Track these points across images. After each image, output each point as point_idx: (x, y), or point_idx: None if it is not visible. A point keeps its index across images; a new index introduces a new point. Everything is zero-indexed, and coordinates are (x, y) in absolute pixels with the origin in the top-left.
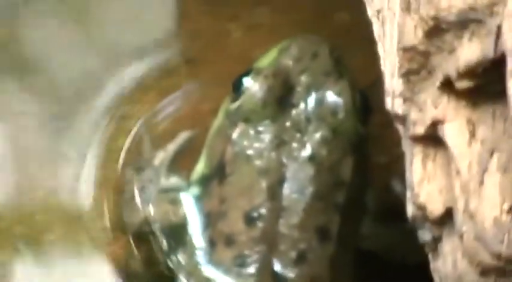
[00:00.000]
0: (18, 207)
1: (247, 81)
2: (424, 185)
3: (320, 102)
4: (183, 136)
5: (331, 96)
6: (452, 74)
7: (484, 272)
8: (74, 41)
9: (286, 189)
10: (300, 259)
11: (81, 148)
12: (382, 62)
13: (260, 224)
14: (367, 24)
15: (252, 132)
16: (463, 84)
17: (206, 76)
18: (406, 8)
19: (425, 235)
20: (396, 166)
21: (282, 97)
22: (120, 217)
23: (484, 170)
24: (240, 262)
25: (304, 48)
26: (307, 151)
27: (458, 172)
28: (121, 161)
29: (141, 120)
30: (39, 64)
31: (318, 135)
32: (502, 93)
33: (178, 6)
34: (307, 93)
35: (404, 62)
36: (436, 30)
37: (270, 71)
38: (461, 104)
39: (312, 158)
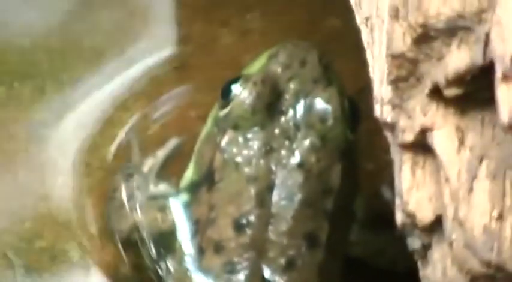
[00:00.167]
0: (7, 215)
1: (236, 88)
2: (413, 193)
3: (309, 109)
4: (172, 142)
5: (319, 103)
6: (441, 81)
7: (474, 279)
8: (61, 49)
9: (275, 196)
10: (289, 266)
11: (69, 155)
12: (370, 69)
13: (249, 231)
14: (358, 31)
15: (240, 139)
16: (451, 92)
17: (196, 82)
18: (395, 15)
19: (414, 242)
20: (385, 173)
21: (270, 104)
22: (109, 224)
23: (473, 177)
24: (230, 269)
25: (293, 54)
26: (296, 158)
27: (447, 179)
28: (110, 167)
29: (130, 127)
30: (27, 70)
31: (306, 142)
32: (490, 100)
33: (169, 11)
34: (296, 100)
35: (393, 69)
36: (425, 37)
37: (259, 78)
38: (450, 111)
39: (300, 165)
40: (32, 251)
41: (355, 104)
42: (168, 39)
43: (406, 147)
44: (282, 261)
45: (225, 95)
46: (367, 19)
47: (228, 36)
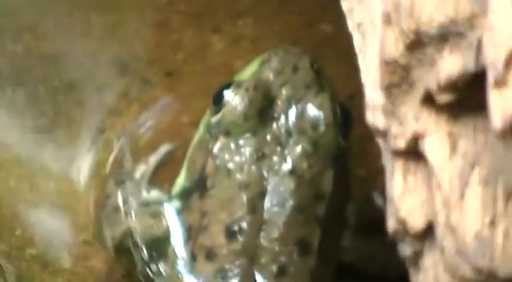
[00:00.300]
0: None
1: (228, 94)
2: (405, 199)
3: (301, 115)
4: (163, 149)
5: (311, 110)
6: (433, 87)
7: None
8: (55, 54)
9: (267, 202)
10: (281, 272)
11: (62, 161)
12: (362, 74)
13: (241, 238)
14: (350, 37)
15: (232, 145)
16: (444, 98)
17: (187, 88)
18: (387, 21)
19: (405, 249)
20: (377, 180)
21: (262, 110)
22: (102, 231)
23: (465, 184)
24: (222, 275)
25: (285, 60)
26: (287, 164)
27: (439, 186)
28: (102, 174)
29: (122, 133)
30: (20, 76)
31: (298, 149)
32: (482, 107)
33: (160, 17)
34: (288, 106)
35: (386, 75)
36: (417, 43)
37: (251, 84)
38: (442, 118)
39: (292, 172)
40: (23, 258)
41: (347, 110)
42: (160, 45)
43: (398, 153)
44: (274, 267)
45: (217, 101)
46: (359, 25)
47: (219, 42)
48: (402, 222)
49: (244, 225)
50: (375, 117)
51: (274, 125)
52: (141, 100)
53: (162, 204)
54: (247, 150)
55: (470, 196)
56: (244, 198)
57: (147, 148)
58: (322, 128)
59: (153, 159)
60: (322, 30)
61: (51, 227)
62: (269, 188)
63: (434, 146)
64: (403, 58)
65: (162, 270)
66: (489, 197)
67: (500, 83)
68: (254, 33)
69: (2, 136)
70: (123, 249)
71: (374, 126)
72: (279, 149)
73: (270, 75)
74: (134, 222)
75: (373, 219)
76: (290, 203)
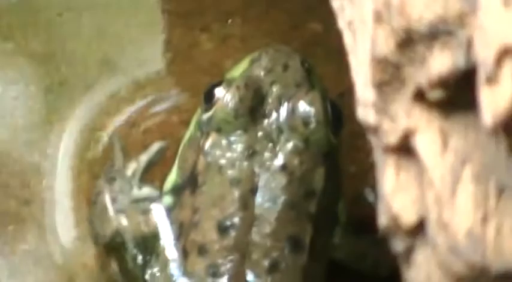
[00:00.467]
0: None
1: (219, 92)
2: (397, 196)
3: (292, 112)
4: (155, 147)
5: (302, 107)
6: (424, 84)
7: None
8: (44, 53)
9: (259, 198)
10: (273, 268)
11: (53, 159)
12: (353, 72)
13: (233, 233)
14: (339, 35)
15: (224, 142)
16: (434, 95)
17: (177, 87)
18: (378, 19)
19: (398, 245)
20: (368, 176)
21: (253, 107)
22: (92, 228)
23: (456, 181)
24: (213, 271)
25: (275, 59)
26: (279, 161)
27: (431, 183)
28: (93, 171)
29: (113, 131)
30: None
31: (289, 145)
32: (473, 104)
33: (149, 17)
34: (279, 103)
35: (377, 73)
36: (408, 41)
37: (242, 82)
38: (434, 115)
39: (284, 168)
40: (15, 254)
41: (338, 107)
42: (149, 45)
43: (389, 150)
44: (266, 263)
45: (208, 99)
46: (350, 23)
47: (208, 42)
48: (394, 219)
49: (236, 221)
50: (366, 114)
51: (265, 122)
52: (130, 99)
53: (153, 202)
54: (238, 147)
55: (462, 193)
56: (236, 194)
57: (137, 147)
58: (313, 125)
59: (144, 157)
60: (311, 29)
61: (43, 223)
62: (260, 184)
63: (426, 143)
64: (393, 56)
65: (153, 268)
66: (481, 193)
67: (491, 81)
68: (243, 33)
69: None
70: (114, 247)
71: (365, 122)
72: (270, 145)
73: (260, 73)
74: (125, 219)
75: (364, 217)
76: (281, 199)
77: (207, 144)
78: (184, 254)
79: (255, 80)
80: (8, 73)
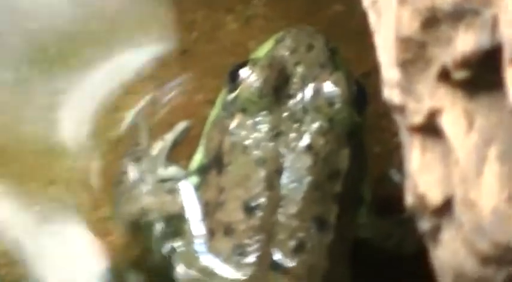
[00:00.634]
0: (15, 198)
1: (244, 72)
2: (423, 175)
3: (316, 92)
4: (180, 126)
5: (327, 87)
6: (449, 64)
7: (484, 261)
8: (69, 33)
9: (284, 179)
10: (299, 248)
11: (77, 139)
12: (378, 52)
13: (259, 213)
14: (362, 16)
15: (249, 122)
16: (459, 75)
17: (201, 67)
18: None
19: (424, 225)
20: (392, 156)
21: (278, 88)
22: (118, 208)
23: (482, 160)
24: (240, 251)
25: (300, 39)
26: (304, 141)
27: (456, 162)
28: (118, 151)
29: (138, 111)
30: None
31: (314, 126)
32: (498, 83)
33: None
34: (304, 84)
35: (401, 53)
36: (432, 20)
37: (266, 62)
38: (458, 94)
39: (309, 148)
40: (40, 234)
41: (363, 87)
42: (174, 25)
43: (415, 129)
44: (292, 243)
45: (233, 79)
46: (374, 2)
47: (232, 22)
48: (420, 198)
49: (262, 201)
50: (391, 93)
51: (290, 103)
52: (155, 78)
53: (179, 181)
54: (263, 127)
55: (487, 172)
56: (262, 174)
57: (162, 126)
58: (338, 105)
59: (170, 136)
60: (334, 10)
61: (67, 203)
62: (286, 164)
63: (451, 123)
64: (418, 35)
65: (178, 247)
66: (506, 173)
67: None
68: (267, 14)
69: (18, 113)
70: (140, 227)
71: (391, 102)
72: (295, 126)
73: (285, 53)
74: (151, 198)
75: (389, 197)
76: (307, 179)
77: (232, 125)
78: (211, 233)
79: (279, 60)
80: (32, 53)
